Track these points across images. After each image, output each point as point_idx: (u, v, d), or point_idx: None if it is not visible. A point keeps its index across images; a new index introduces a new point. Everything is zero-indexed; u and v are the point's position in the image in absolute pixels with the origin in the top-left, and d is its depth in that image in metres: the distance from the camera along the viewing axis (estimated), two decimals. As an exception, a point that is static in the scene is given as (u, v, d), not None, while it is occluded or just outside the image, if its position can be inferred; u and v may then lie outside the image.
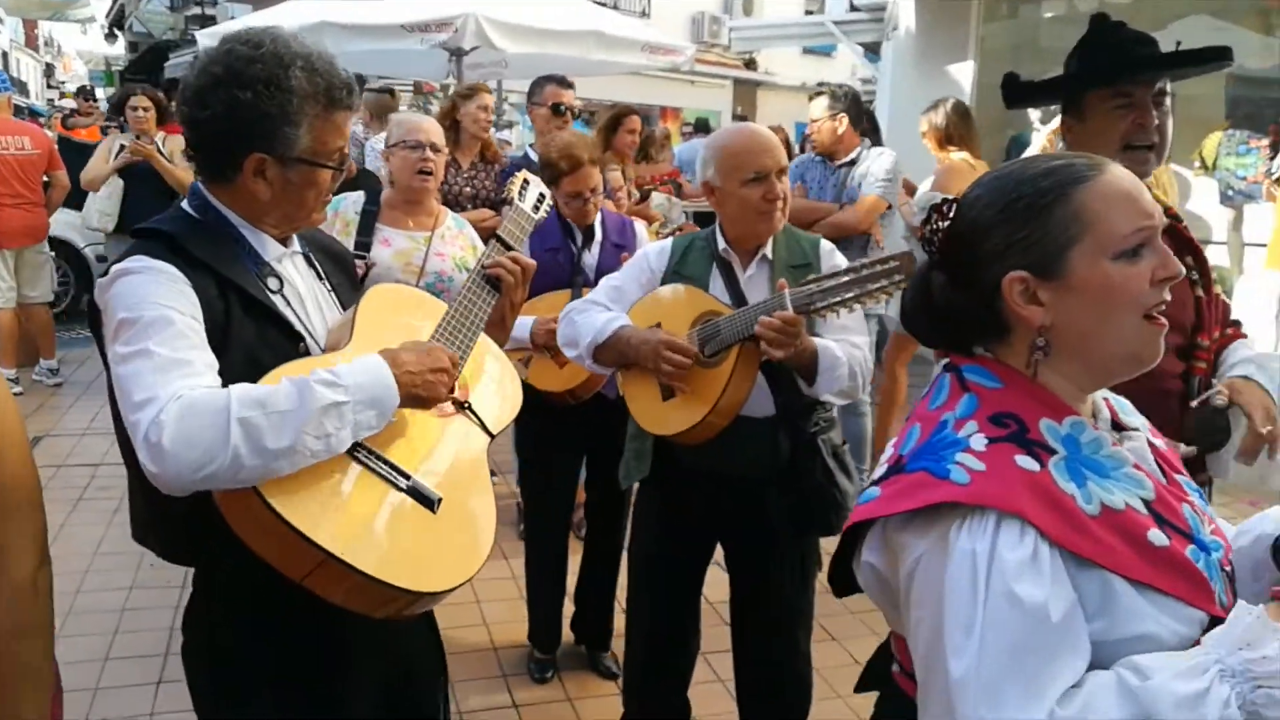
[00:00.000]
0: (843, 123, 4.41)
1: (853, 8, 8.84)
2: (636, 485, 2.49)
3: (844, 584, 1.24)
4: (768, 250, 2.29)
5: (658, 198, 5.25)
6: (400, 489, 1.49)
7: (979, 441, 1.06)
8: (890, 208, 4.46)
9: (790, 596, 2.38)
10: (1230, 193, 7.12)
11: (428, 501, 1.51)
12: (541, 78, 4.55)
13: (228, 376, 1.39)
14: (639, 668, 2.55)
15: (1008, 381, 1.13)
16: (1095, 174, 1.10)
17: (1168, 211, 1.93)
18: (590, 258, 3.01)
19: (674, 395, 2.22)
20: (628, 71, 9.15)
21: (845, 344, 2.18)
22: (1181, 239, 1.96)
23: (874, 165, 4.37)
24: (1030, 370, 1.13)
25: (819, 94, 4.56)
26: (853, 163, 4.45)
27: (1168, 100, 1.89)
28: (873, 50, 9.23)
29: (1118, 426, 1.22)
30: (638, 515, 2.52)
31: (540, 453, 3.15)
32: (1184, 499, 1.16)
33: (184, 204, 1.58)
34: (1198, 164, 7.49)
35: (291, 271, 1.64)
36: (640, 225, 3.23)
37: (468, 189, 4.39)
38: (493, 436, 1.70)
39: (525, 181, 2.02)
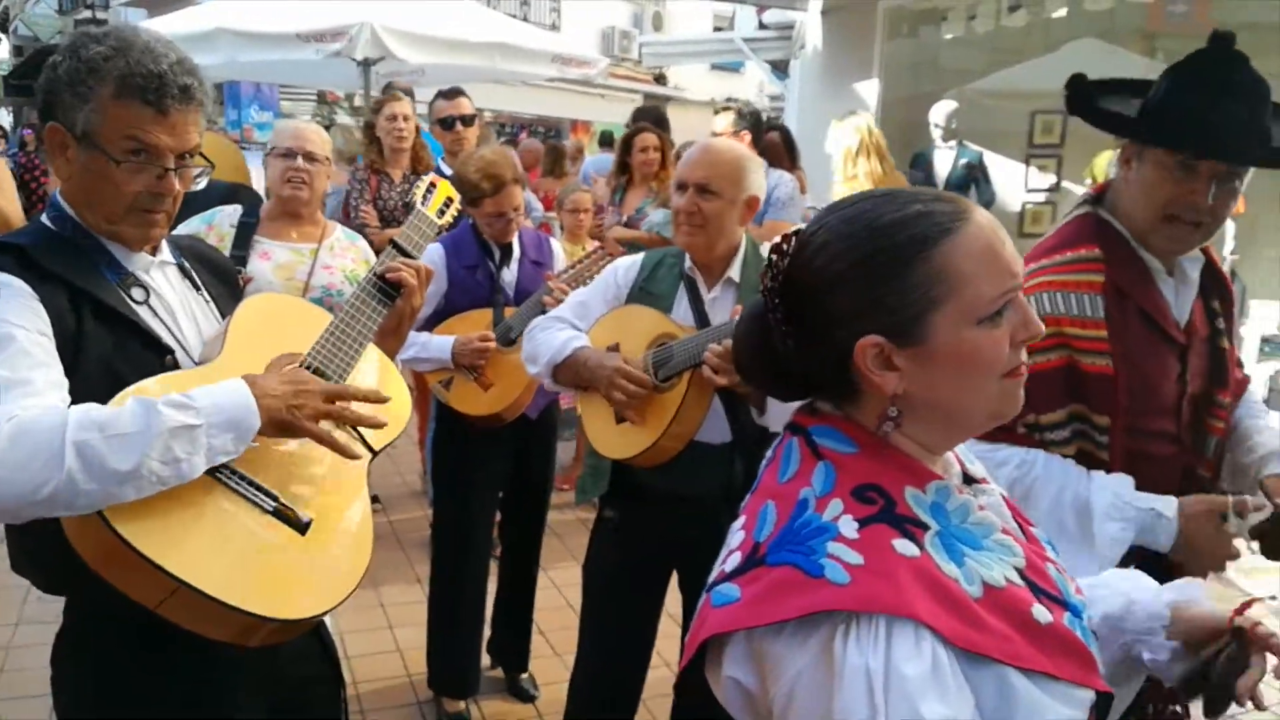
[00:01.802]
0: (746, 140, 4.41)
1: (761, 26, 9.00)
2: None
3: (698, 694, 1.04)
4: (733, 272, 2.26)
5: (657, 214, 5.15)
6: (266, 511, 1.44)
7: (849, 526, 0.93)
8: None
9: None
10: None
11: (296, 524, 1.46)
12: (435, 95, 4.48)
13: (83, 391, 1.34)
14: (589, 683, 2.51)
15: (862, 445, 1.01)
16: (959, 225, 0.97)
17: (1205, 253, 1.79)
18: (509, 275, 2.95)
19: (626, 419, 2.21)
20: (539, 83, 9.11)
21: None
22: (1217, 281, 1.80)
23: (779, 190, 4.37)
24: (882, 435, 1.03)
25: (724, 109, 4.56)
26: None
27: (1240, 181, 1.63)
28: (780, 68, 9.40)
29: (968, 479, 1.11)
30: (595, 533, 2.48)
31: (460, 482, 3.03)
32: (1045, 557, 1.06)
33: (43, 217, 1.52)
34: (1089, 181, 7.82)
35: (161, 281, 1.57)
36: (556, 243, 3.19)
37: (403, 203, 4.28)
38: (375, 453, 1.64)
39: (431, 185, 1.97)
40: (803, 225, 1.06)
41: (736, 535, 1.02)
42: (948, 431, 1.04)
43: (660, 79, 18.82)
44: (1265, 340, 4.78)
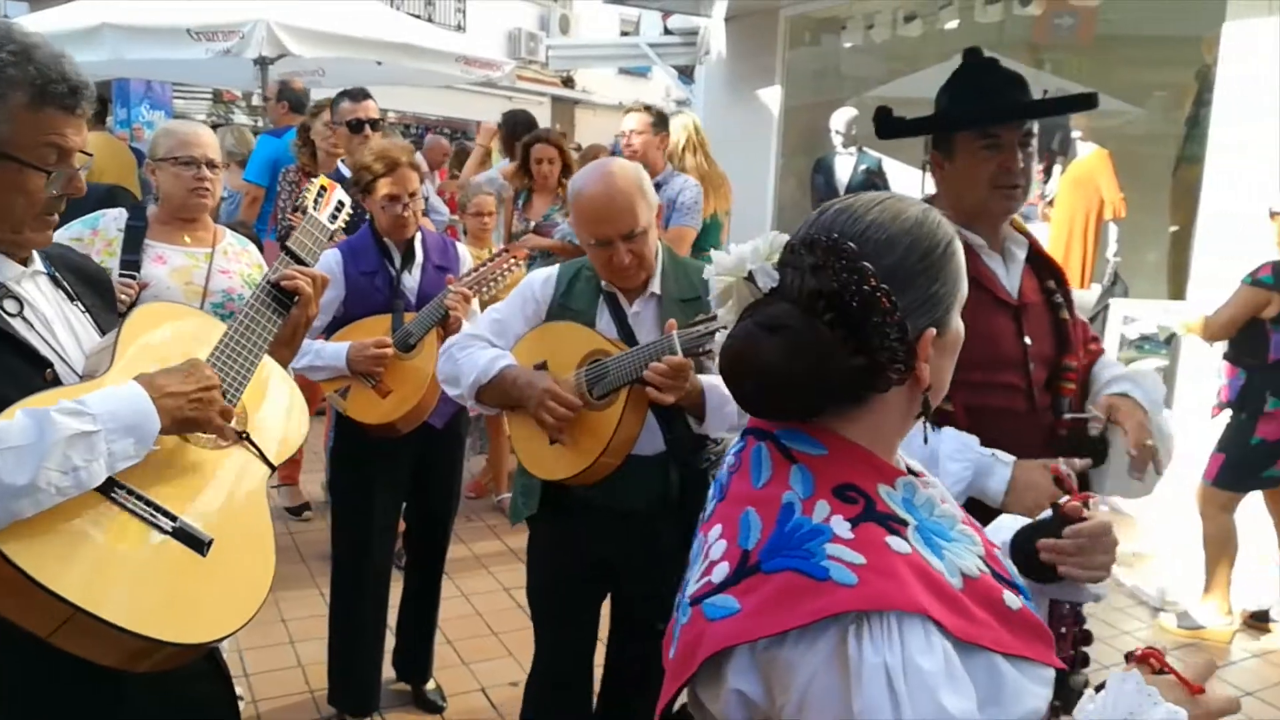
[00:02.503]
0: (665, 142, 4.44)
1: (667, 31, 9.06)
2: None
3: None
4: (655, 286, 2.24)
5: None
6: (164, 531, 1.40)
7: (842, 526, 0.93)
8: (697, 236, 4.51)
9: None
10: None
11: (196, 544, 1.42)
12: (339, 94, 4.38)
13: None
14: (542, 702, 2.48)
15: (830, 446, 1.01)
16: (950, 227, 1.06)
17: (1030, 241, 2.06)
18: (411, 280, 2.89)
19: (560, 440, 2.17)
20: (443, 84, 9.00)
21: None
22: (1045, 262, 2.06)
23: (683, 195, 4.38)
24: (922, 435, 1.06)
25: (633, 109, 4.56)
26: (658, 187, 4.45)
27: (1033, 141, 1.95)
28: (686, 73, 9.48)
29: (910, 472, 1.13)
30: (530, 553, 2.44)
31: (359, 494, 2.94)
32: (990, 541, 1.09)
33: None
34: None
35: (34, 293, 1.50)
36: (464, 247, 3.14)
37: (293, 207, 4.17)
38: (273, 469, 1.61)
39: (322, 188, 1.92)
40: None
41: (717, 545, 0.98)
42: (909, 423, 1.07)
43: (568, 82, 18.78)
44: (1145, 338, 5.03)
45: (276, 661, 3.40)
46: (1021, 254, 2.01)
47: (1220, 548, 3.83)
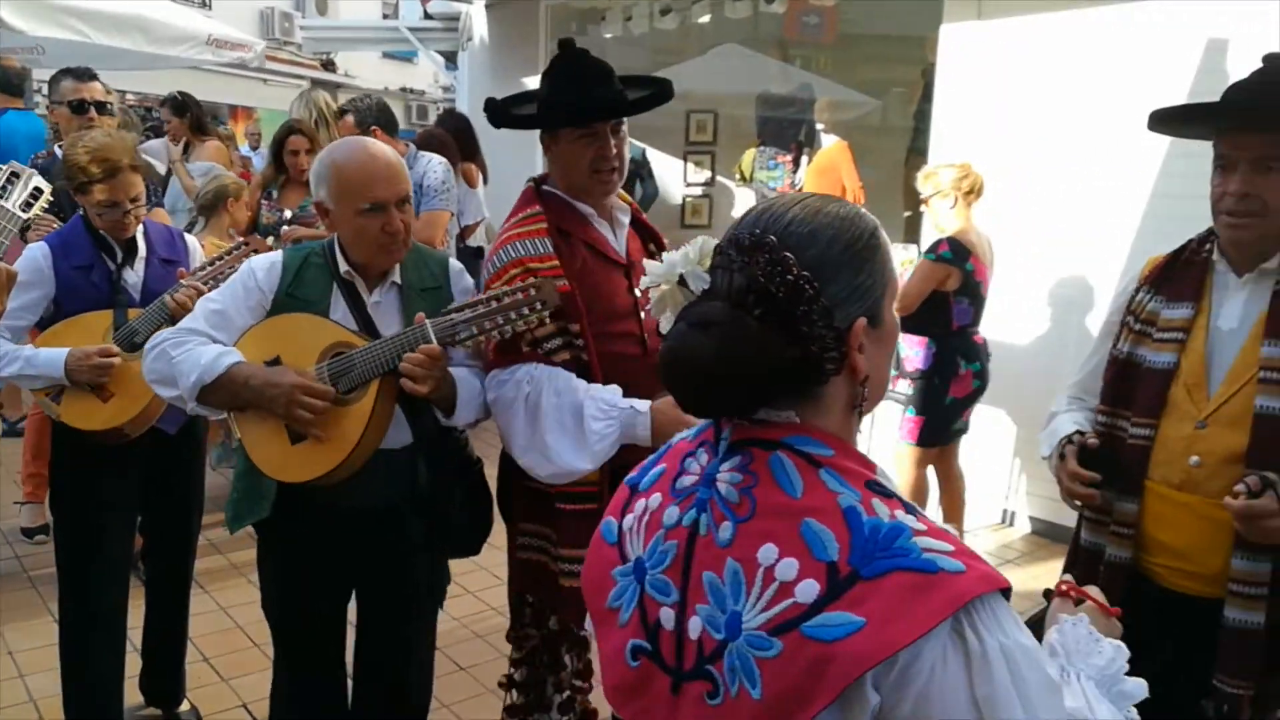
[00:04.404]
0: (378, 134, 4.29)
1: (427, 15, 8.86)
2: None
3: None
4: (396, 275, 2.17)
5: None
6: None
7: (909, 519, 0.92)
8: (453, 216, 4.46)
9: (425, 615, 2.36)
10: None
11: None
12: (59, 72, 4.00)
13: None
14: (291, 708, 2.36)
15: (833, 446, 0.99)
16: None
17: (634, 210, 2.33)
18: (134, 275, 2.66)
19: (305, 438, 2.04)
20: (188, 66, 8.38)
21: (478, 372, 2.18)
22: (646, 228, 2.35)
23: (430, 177, 4.30)
24: (846, 429, 1.05)
25: (344, 111, 4.45)
26: None
27: (624, 128, 2.17)
28: (452, 59, 9.33)
29: None
30: (265, 563, 2.30)
31: (85, 509, 2.68)
32: None
33: None
34: (738, 177, 8.49)
35: None
36: (193, 239, 2.93)
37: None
38: None
39: (13, 174, 1.75)
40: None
41: (783, 565, 0.91)
42: (869, 409, 1.07)
43: (329, 65, 17.99)
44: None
45: (4, 699, 3.09)
46: (626, 219, 2.28)
47: (915, 499, 4.22)
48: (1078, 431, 1.99)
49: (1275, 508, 1.66)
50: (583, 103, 2.11)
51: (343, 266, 2.13)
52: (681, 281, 1.06)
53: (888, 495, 0.95)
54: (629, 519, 1.11)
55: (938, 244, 3.98)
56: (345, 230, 2.10)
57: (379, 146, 2.12)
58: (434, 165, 4.34)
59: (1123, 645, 0.97)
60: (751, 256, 0.98)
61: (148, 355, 2.09)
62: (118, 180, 2.53)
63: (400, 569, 2.26)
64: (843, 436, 1.02)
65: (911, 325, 4.01)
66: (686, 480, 1.05)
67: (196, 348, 2.04)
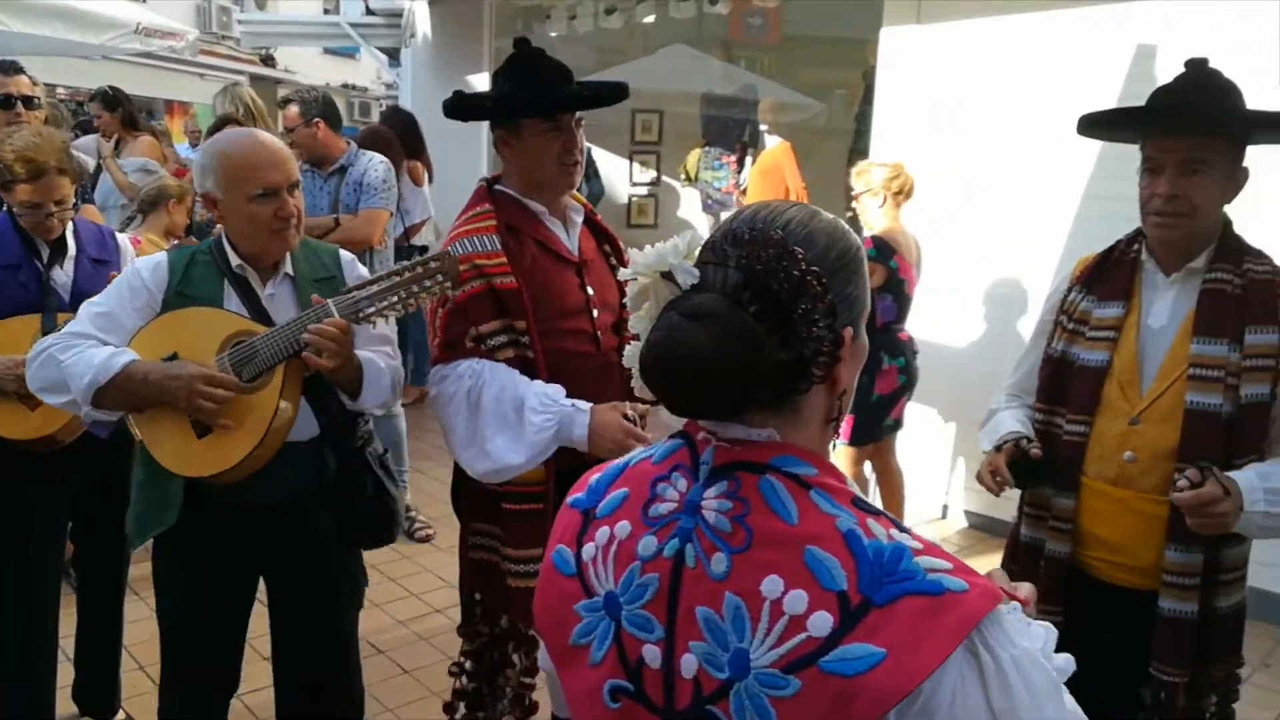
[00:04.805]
0: (321, 128, 4.24)
1: (369, 11, 8.75)
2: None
3: None
4: (287, 266, 2.14)
5: None
6: None
7: (905, 539, 0.90)
8: (392, 216, 4.42)
9: (346, 609, 2.32)
10: (709, 202, 8.19)
11: None
12: None
13: None
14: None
15: (816, 464, 0.96)
16: None
17: (588, 211, 2.35)
18: (63, 275, 2.57)
19: (211, 431, 1.99)
20: (120, 58, 8.17)
21: (383, 355, 2.18)
22: (600, 229, 2.38)
23: (370, 175, 4.24)
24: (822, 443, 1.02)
25: (288, 100, 4.37)
26: (343, 169, 4.29)
27: (583, 124, 2.21)
28: (393, 55, 9.22)
29: None
30: (166, 570, 2.22)
31: (12, 518, 2.59)
32: None
33: None
34: (683, 177, 8.52)
35: None
36: (124, 237, 2.84)
37: None
38: None
39: None
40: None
41: (791, 599, 0.87)
42: (839, 426, 1.05)
43: (268, 60, 17.67)
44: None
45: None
46: (579, 219, 2.29)
47: None
48: (1026, 438, 2.02)
49: (1220, 493, 1.70)
50: (550, 96, 2.14)
51: (234, 261, 2.10)
52: (667, 275, 1.01)
53: (875, 513, 0.92)
54: (589, 548, 1.02)
55: (862, 241, 4.02)
56: (236, 219, 2.07)
57: (265, 134, 2.14)
58: (375, 163, 4.29)
59: (1050, 626, 0.98)
60: (752, 251, 0.95)
61: (32, 363, 2.02)
62: (42, 182, 2.46)
63: (311, 564, 2.23)
64: (820, 453, 0.99)
65: None
66: (663, 507, 0.98)
67: (86, 350, 1.98)
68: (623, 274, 1.07)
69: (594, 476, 1.10)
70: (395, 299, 1.98)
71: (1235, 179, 1.86)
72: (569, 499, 1.10)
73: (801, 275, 0.94)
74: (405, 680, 3.31)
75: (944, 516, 5.06)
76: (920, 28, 4.90)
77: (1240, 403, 1.79)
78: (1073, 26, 4.32)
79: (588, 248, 2.29)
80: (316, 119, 4.21)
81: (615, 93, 2.26)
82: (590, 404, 2.05)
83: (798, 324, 0.93)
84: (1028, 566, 2.01)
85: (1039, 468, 1.97)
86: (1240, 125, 1.85)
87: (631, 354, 1.03)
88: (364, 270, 2.27)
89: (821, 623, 0.85)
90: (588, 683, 1.00)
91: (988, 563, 4.43)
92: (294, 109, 4.25)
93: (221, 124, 4.38)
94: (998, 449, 2.03)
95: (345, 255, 2.30)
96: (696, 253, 1.01)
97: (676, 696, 0.92)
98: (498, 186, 2.25)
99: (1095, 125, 2.00)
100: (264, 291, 2.12)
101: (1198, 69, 1.87)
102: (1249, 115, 1.84)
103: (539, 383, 2.07)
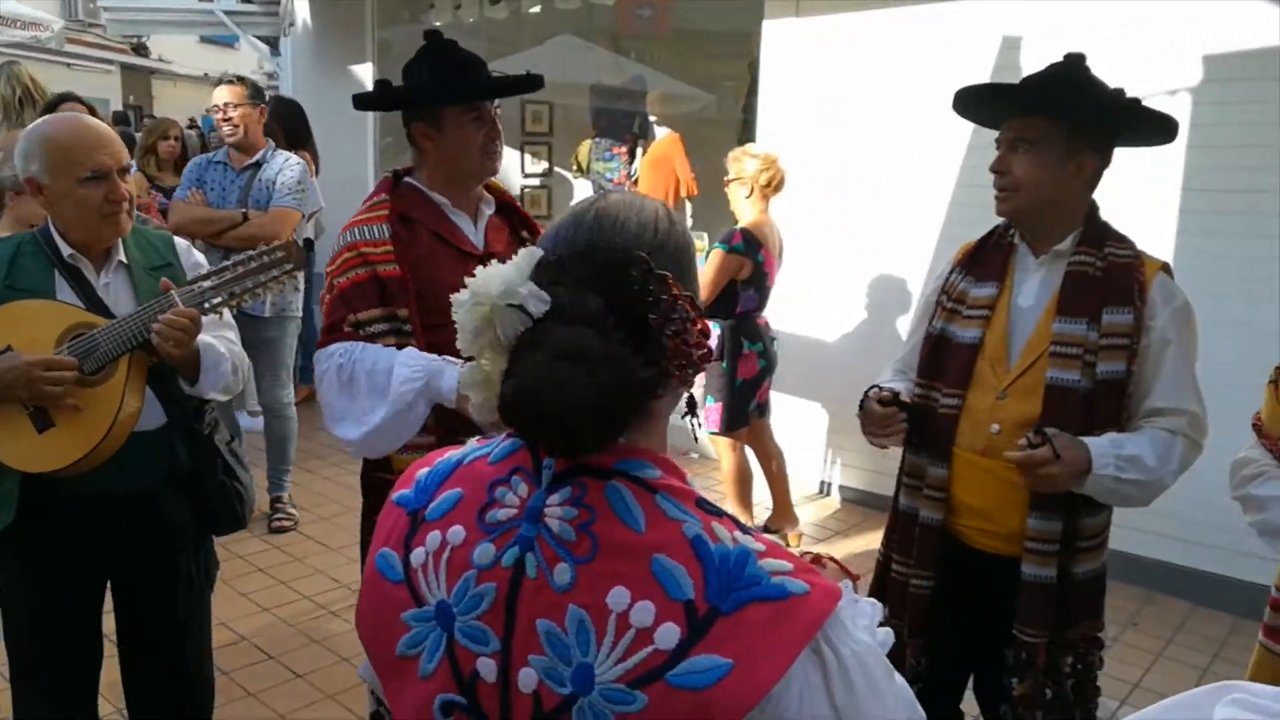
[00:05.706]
0: (263, 114, 4.25)
1: (245, -1, 8.46)
2: None
3: None
4: (120, 254, 2.09)
5: None
6: None
7: (749, 541, 0.89)
8: (304, 218, 4.37)
9: (200, 595, 2.29)
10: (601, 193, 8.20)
11: None
12: None
13: None
14: None
15: (659, 465, 0.93)
16: None
17: (499, 191, 2.35)
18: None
19: (52, 424, 1.93)
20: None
21: (223, 340, 2.17)
22: (521, 217, 2.38)
23: (285, 175, 4.22)
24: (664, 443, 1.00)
25: (230, 80, 4.29)
26: (258, 165, 4.26)
27: (498, 113, 2.24)
28: (275, 45, 8.93)
29: None
30: (3, 577, 2.12)
31: None
32: None
33: None
34: (575, 168, 8.51)
35: None
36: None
37: None
38: None
39: None
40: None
41: (637, 611, 0.84)
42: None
43: (140, 49, 16.93)
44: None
45: None
46: (489, 210, 2.29)
47: (742, 482, 4.38)
48: (875, 387, 2.12)
49: (1050, 455, 1.81)
50: (472, 84, 2.15)
51: (65, 250, 2.04)
52: (517, 304, 0.91)
53: (719, 514, 0.91)
54: (419, 553, 0.95)
55: (731, 234, 4.09)
56: (65, 205, 2.01)
57: (90, 117, 2.11)
58: (291, 164, 4.27)
59: (876, 602, 1.02)
60: (605, 268, 0.91)
61: None
62: None
63: (161, 555, 2.19)
64: (660, 450, 0.97)
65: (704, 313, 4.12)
66: (501, 513, 0.92)
67: None
68: (455, 310, 0.97)
69: (421, 471, 1.03)
70: (240, 289, 2.01)
71: (1076, 164, 1.93)
72: (394, 495, 1.03)
73: (659, 285, 0.90)
74: (298, 684, 3.24)
75: (824, 493, 5.22)
76: (800, 20, 5.01)
77: (1096, 379, 1.89)
78: (944, 20, 4.49)
79: (497, 239, 2.26)
80: (262, 105, 4.24)
81: (532, 81, 2.28)
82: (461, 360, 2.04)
83: (660, 335, 0.90)
84: (905, 535, 2.10)
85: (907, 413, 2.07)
86: (1062, 109, 1.91)
87: (470, 380, 0.95)
88: (200, 257, 2.27)
89: (669, 634, 0.83)
90: (417, 697, 0.95)
91: (868, 534, 4.59)
92: (240, 88, 4.19)
93: (60, 100, 4.17)
94: (863, 408, 2.11)
95: (180, 242, 2.26)
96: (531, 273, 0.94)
97: (514, 712, 0.88)
98: (407, 179, 2.24)
99: (966, 102, 2.10)
100: (98, 281, 2.07)
101: (1071, 62, 1.97)
102: (1076, 102, 1.92)
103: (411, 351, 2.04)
